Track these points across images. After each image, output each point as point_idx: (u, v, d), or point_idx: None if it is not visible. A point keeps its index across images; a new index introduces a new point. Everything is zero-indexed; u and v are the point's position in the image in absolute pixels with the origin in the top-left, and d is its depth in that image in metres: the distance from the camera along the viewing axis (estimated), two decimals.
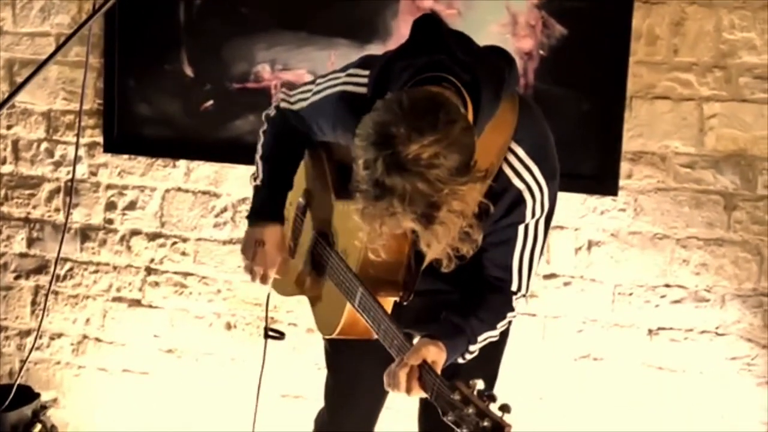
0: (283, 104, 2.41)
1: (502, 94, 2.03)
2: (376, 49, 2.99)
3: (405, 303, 2.19)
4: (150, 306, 3.69)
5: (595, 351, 3.15)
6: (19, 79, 3.73)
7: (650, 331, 3.10)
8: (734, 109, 2.96)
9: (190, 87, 3.52)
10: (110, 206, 3.70)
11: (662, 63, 3.01)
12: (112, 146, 3.65)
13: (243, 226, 3.51)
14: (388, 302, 2.18)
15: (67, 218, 3.04)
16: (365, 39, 3.22)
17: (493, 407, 1.78)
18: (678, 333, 3.07)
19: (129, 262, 3.70)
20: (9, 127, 3.80)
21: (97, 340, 3.78)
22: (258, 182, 2.47)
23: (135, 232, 3.69)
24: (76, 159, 3.65)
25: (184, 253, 3.63)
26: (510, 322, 2.25)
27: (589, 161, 3.04)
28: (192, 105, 3.52)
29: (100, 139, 3.66)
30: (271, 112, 2.44)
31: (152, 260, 3.67)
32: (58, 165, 3.76)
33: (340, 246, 2.31)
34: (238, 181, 3.51)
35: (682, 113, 3.01)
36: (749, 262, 2.99)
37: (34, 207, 3.81)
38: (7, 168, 3.83)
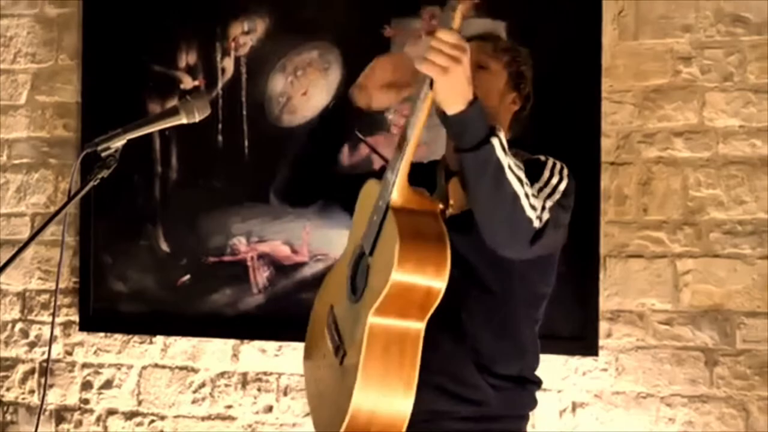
0: None
1: None
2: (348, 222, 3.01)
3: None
4: None
5: None
6: None
7: None
8: (707, 265, 3.00)
9: (166, 262, 3.53)
10: (86, 386, 3.64)
11: (633, 222, 3.06)
12: (87, 324, 3.63)
13: (222, 401, 3.47)
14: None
15: (42, 400, 2.99)
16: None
17: None
18: None
19: None
20: None
21: None
22: None
23: (111, 412, 3.62)
24: (52, 339, 3.61)
25: None
26: (531, 216, 2.00)
27: (568, 322, 3.04)
28: (168, 280, 3.52)
29: (75, 318, 3.64)
30: None
31: None
32: (32, 345, 3.72)
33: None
34: (215, 355, 3.48)
35: (656, 271, 3.04)
36: (735, 418, 2.96)
37: (8, 389, 3.74)
38: None
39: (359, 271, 2.14)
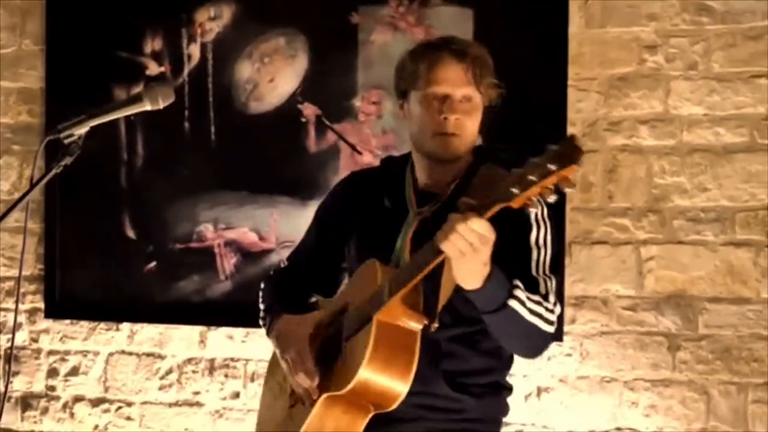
0: (281, 265, 2.55)
1: None
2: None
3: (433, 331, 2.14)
4: None
5: None
6: None
7: None
8: (671, 252, 3.03)
9: (133, 249, 3.51)
10: (52, 373, 3.63)
11: (598, 209, 3.09)
12: (53, 312, 3.61)
13: (189, 387, 3.47)
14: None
15: (6, 387, 2.98)
16: (307, 196, 3.26)
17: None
18: None
19: (72, 429, 3.61)
20: None
21: None
22: (263, 313, 2.45)
23: (78, 399, 3.61)
24: (16, 325, 3.60)
25: (129, 418, 3.55)
26: (554, 321, 2.17)
27: None
28: (135, 267, 3.51)
29: (41, 305, 3.62)
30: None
31: (96, 427, 3.58)
32: None
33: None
34: (183, 342, 3.48)
35: (620, 257, 3.07)
36: (696, 401, 3.00)
37: None
38: None
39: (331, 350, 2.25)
